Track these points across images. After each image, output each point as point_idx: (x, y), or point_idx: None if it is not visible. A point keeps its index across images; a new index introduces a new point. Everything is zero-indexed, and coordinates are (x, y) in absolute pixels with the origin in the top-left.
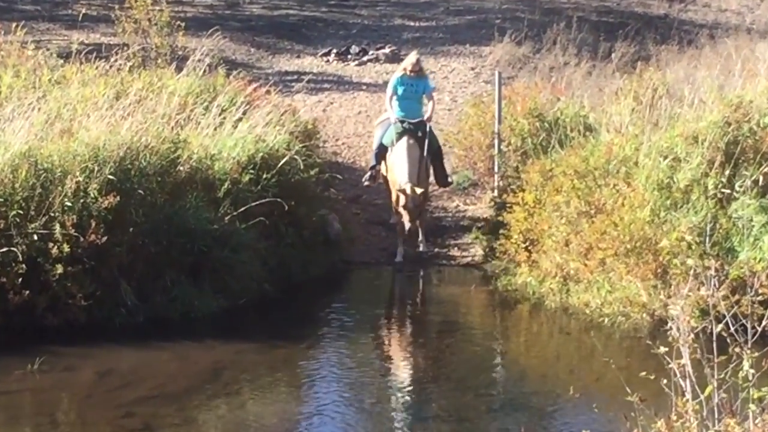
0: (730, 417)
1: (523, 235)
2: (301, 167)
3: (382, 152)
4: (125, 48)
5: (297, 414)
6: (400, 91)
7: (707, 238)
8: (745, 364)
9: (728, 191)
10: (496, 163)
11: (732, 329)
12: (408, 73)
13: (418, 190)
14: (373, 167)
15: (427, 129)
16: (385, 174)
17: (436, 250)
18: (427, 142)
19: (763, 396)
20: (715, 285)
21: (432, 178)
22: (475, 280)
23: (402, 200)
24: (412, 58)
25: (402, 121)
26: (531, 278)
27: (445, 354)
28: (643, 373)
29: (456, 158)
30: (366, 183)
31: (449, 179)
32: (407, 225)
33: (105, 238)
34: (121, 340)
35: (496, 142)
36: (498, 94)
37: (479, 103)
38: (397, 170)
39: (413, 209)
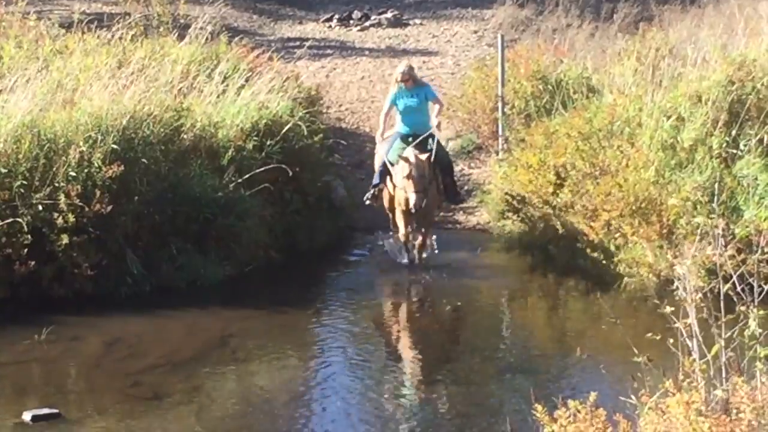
0: (737, 375)
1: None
2: (305, 133)
3: (387, 170)
4: (127, 17)
5: (304, 380)
6: (401, 106)
7: (715, 198)
8: (752, 323)
9: (733, 150)
10: (499, 126)
11: (738, 288)
12: (402, 84)
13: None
14: (376, 185)
15: (435, 141)
16: (391, 192)
17: (441, 214)
18: (433, 152)
19: None
20: (722, 244)
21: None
22: (481, 243)
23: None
24: (401, 67)
25: (408, 136)
26: (537, 241)
27: (452, 318)
28: (650, 334)
29: (460, 122)
30: (368, 201)
31: (461, 196)
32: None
33: (110, 208)
34: (127, 309)
35: (499, 105)
36: (501, 57)
37: (482, 67)
38: (402, 161)
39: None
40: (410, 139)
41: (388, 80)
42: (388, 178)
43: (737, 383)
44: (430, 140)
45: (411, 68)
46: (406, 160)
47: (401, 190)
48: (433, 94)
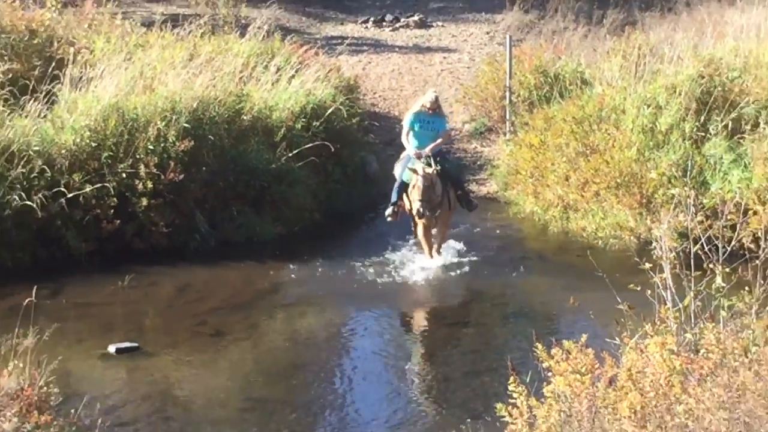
0: (710, 322)
1: (530, 171)
2: (345, 116)
3: (403, 189)
4: (198, 17)
5: (341, 322)
6: (416, 127)
7: (687, 173)
8: (717, 278)
9: (702, 134)
10: (507, 111)
11: (706, 249)
12: (426, 109)
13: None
14: (395, 203)
15: (438, 158)
16: (408, 209)
17: None
18: (439, 166)
19: (732, 304)
20: (692, 212)
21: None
22: (490, 209)
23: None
24: (430, 95)
25: (419, 156)
26: (537, 207)
27: (468, 272)
28: (631, 286)
29: (474, 108)
30: (389, 218)
31: (474, 204)
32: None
33: (182, 176)
34: (195, 260)
35: (507, 94)
36: (509, 54)
37: (493, 62)
38: (411, 173)
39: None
40: (422, 159)
41: (415, 72)
42: (405, 195)
43: (707, 328)
44: (437, 159)
45: (437, 98)
46: (414, 171)
47: (411, 201)
48: (445, 128)
